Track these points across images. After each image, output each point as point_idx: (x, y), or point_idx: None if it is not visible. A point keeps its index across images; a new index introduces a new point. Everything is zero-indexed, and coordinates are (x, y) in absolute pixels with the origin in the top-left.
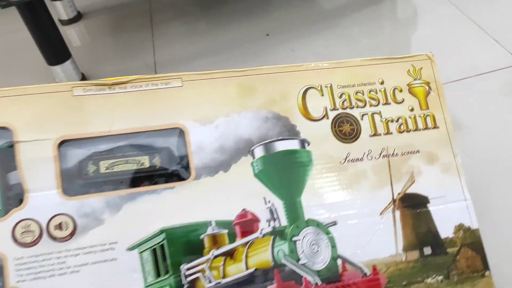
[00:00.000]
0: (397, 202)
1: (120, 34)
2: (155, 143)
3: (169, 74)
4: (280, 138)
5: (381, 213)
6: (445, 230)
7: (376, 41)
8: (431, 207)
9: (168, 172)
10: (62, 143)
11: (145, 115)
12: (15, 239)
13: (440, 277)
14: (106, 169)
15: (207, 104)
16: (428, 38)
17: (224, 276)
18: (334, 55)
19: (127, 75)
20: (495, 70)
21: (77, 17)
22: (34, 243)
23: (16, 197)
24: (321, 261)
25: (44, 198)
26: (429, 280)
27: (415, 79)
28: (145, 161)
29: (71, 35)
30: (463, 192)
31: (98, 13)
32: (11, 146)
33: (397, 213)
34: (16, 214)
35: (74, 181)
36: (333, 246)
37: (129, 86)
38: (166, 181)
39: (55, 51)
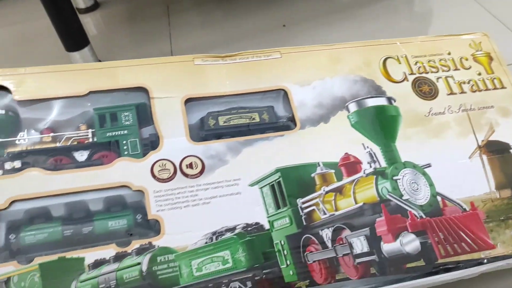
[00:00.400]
0: (482, 148)
1: (137, 23)
2: (263, 102)
3: (270, 49)
4: (369, 96)
5: (469, 157)
6: None
7: (390, 32)
8: None
9: (276, 125)
10: (187, 101)
11: (252, 80)
12: (153, 175)
13: None
14: (224, 122)
15: (303, 71)
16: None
17: (336, 209)
18: None
19: None
20: None
21: (94, 6)
22: (169, 179)
23: (151, 144)
24: (422, 197)
25: (176, 142)
26: None
27: (477, 51)
28: (256, 117)
29: (88, 23)
30: None
31: (115, 2)
32: (143, 105)
33: (484, 157)
34: (153, 156)
35: (198, 132)
36: (431, 185)
37: (238, 58)
38: (275, 132)
39: (74, 37)
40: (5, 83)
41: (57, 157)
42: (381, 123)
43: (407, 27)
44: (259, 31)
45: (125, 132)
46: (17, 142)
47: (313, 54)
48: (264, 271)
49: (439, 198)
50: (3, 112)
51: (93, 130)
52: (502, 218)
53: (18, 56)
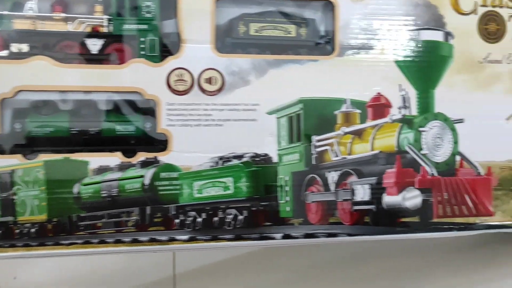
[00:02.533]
0: None
1: None
2: (304, 14)
3: None
4: (426, 27)
5: (507, 118)
6: None
7: None
8: None
9: (313, 44)
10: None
11: None
12: (169, 85)
13: None
14: (255, 32)
15: None
16: None
17: (350, 153)
18: None
19: None
20: None
21: None
22: (185, 92)
23: (172, 46)
24: (441, 155)
25: (198, 50)
26: None
27: None
28: (292, 30)
29: None
30: None
31: None
32: None
33: None
34: (172, 62)
35: (224, 39)
36: (455, 142)
37: None
38: (309, 53)
39: None
40: None
41: (67, 43)
42: (428, 63)
43: None
44: None
45: (145, 27)
46: (25, 15)
47: None
48: (262, 203)
49: (458, 157)
50: None
51: (109, 17)
52: None
53: None
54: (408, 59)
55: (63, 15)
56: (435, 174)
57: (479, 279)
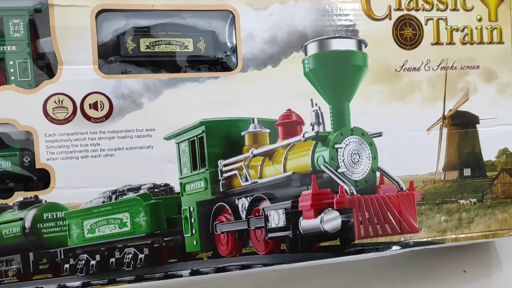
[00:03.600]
0: (446, 119)
1: None
2: (201, 26)
3: None
4: (336, 35)
5: (428, 129)
6: (489, 153)
7: None
8: (479, 127)
9: (213, 59)
10: (100, 13)
11: None
12: (46, 114)
13: (474, 200)
14: (146, 48)
15: None
16: None
17: (261, 177)
18: None
19: None
20: None
21: None
22: (67, 120)
23: (46, 68)
24: (360, 172)
25: (79, 72)
26: (462, 201)
27: None
28: (189, 44)
29: None
30: None
31: None
32: (42, 9)
33: (444, 131)
34: (48, 87)
35: (111, 58)
36: (374, 158)
37: None
38: (210, 69)
39: None
40: None
41: None
42: (341, 74)
43: None
44: None
45: (13, 48)
46: None
47: None
48: (165, 239)
49: (378, 173)
50: None
51: None
52: (438, 201)
53: None
54: (319, 71)
55: None
56: (355, 193)
57: None
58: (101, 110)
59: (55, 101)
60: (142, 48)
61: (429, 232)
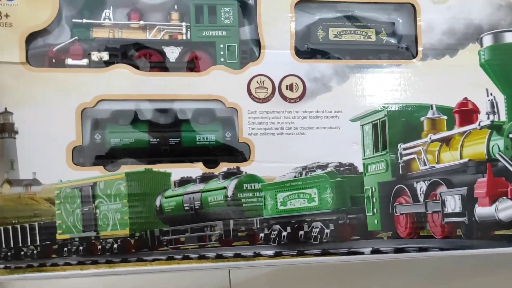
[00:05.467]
0: None
1: None
2: (383, 17)
3: None
4: (510, 29)
5: None
6: None
7: None
8: None
9: (393, 49)
10: (297, 4)
11: None
12: (250, 93)
13: None
14: (334, 36)
15: None
16: None
17: (438, 162)
18: None
19: None
20: None
21: None
22: (266, 99)
23: (250, 52)
24: None
25: (278, 56)
26: None
27: None
28: (372, 34)
29: None
30: None
31: None
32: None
33: None
34: (252, 68)
35: (303, 45)
36: None
37: None
38: (389, 58)
39: None
40: None
41: (146, 51)
42: None
43: None
44: None
45: (224, 33)
46: (102, 24)
47: None
48: (349, 216)
49: None
50: None
51: (187, 24)
52: None
53: None
54: (494, 62)
55: (142, 22)
56: None
57: None
58: (296, 91)
59: (257, 82)
60: (331, 37)
61: None
